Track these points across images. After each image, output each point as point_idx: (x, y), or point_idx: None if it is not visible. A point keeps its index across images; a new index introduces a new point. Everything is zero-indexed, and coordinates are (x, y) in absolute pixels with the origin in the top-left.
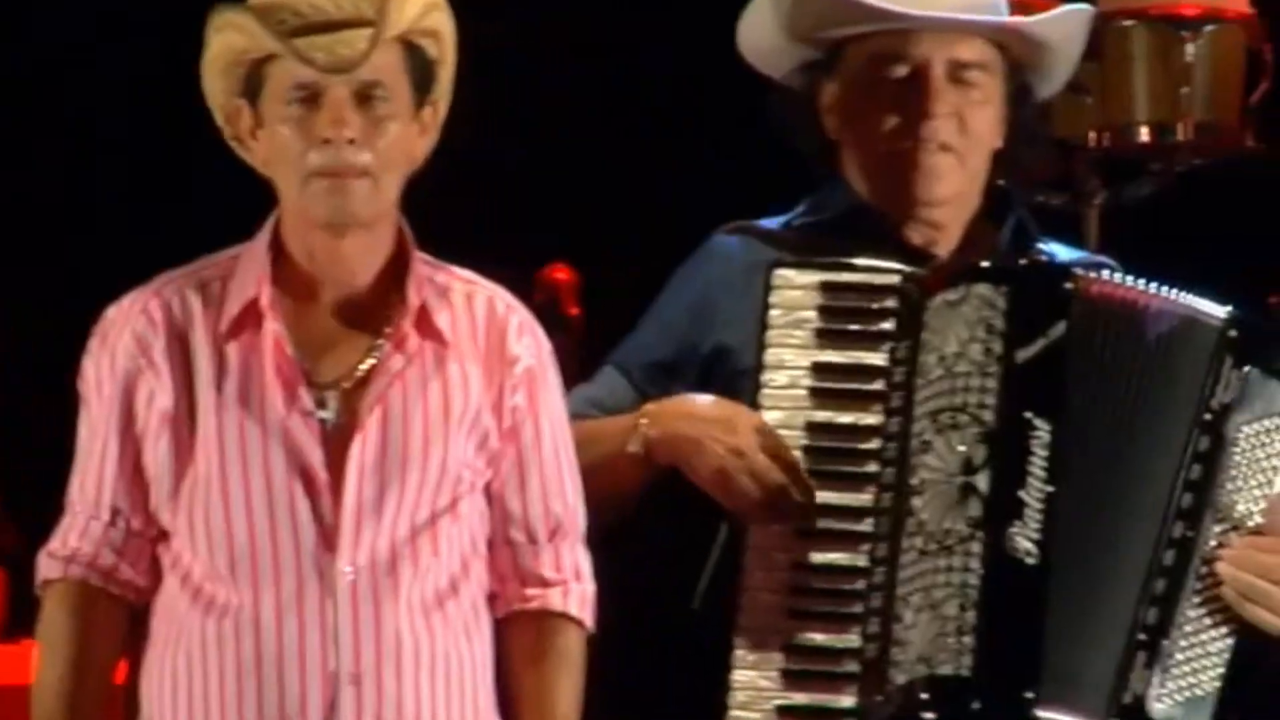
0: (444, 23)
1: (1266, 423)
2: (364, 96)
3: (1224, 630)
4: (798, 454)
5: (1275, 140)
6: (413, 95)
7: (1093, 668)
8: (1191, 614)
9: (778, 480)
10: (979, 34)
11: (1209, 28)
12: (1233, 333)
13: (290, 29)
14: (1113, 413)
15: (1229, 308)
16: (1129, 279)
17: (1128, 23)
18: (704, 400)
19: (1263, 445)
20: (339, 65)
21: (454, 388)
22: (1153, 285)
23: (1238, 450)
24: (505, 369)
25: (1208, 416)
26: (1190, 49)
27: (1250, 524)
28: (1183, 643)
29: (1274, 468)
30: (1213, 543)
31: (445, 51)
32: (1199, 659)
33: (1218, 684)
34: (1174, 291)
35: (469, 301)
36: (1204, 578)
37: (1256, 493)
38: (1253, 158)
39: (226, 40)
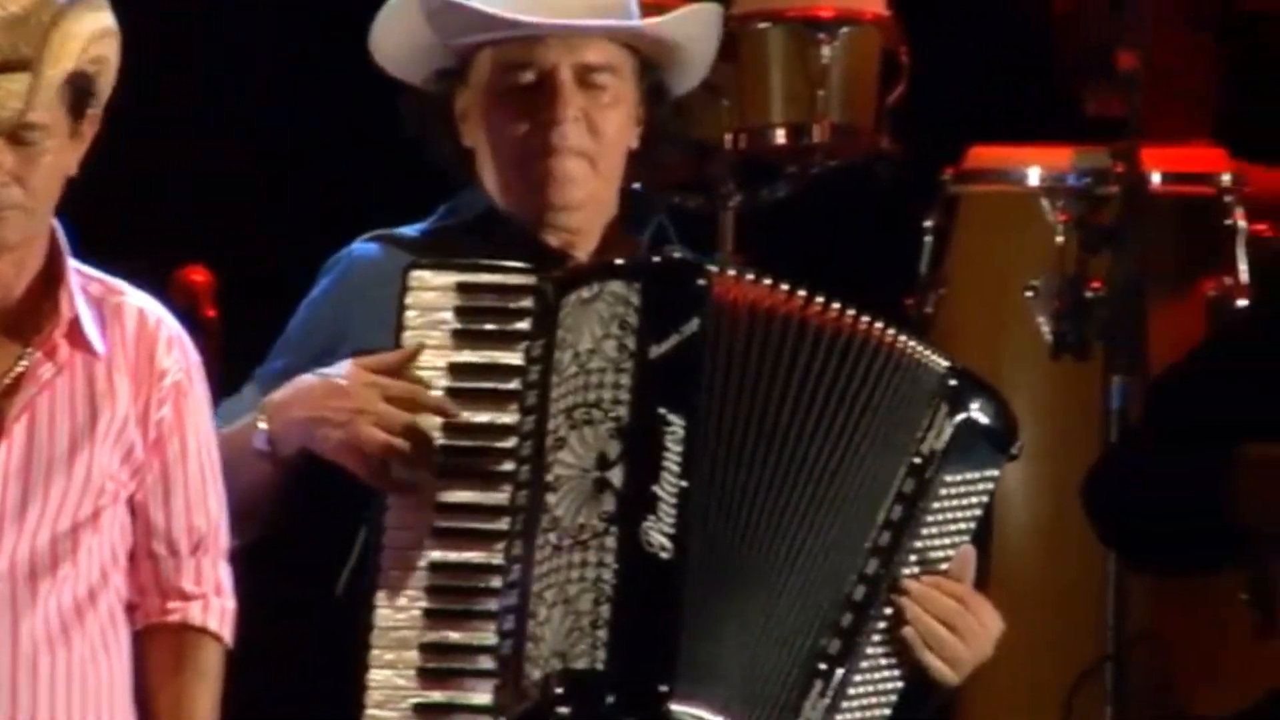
0: (111, 46)
1: (970, 475)
2: (18, 137)
3: (897, 671)
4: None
5: (911, 142)
6: (69, 119)
7: (749, 671)
8: (870, 651)
9: (404, 419)
10: (604, 37)
11: (845, 30)
12: (953, 382)
13: None
14: (764, 414)
15: (949, 359)
16: (785, 286)
17: (764, 25)
18: (312, 379)
19: (963, 497)
20: None
21: (102, 398)
22: (800, 290)
23: (940, 499)
24: (153, 382)
25: (917, 460)
26: (826, 51)
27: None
28: (858, 677)
29: (970, 520)
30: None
31: (108, 69)
32: (870, 695)
33: None
34: (823, 297)
35: (119, 313)
36: (889, 617)
37: (948, 542)
38: (888, 159)
39: None
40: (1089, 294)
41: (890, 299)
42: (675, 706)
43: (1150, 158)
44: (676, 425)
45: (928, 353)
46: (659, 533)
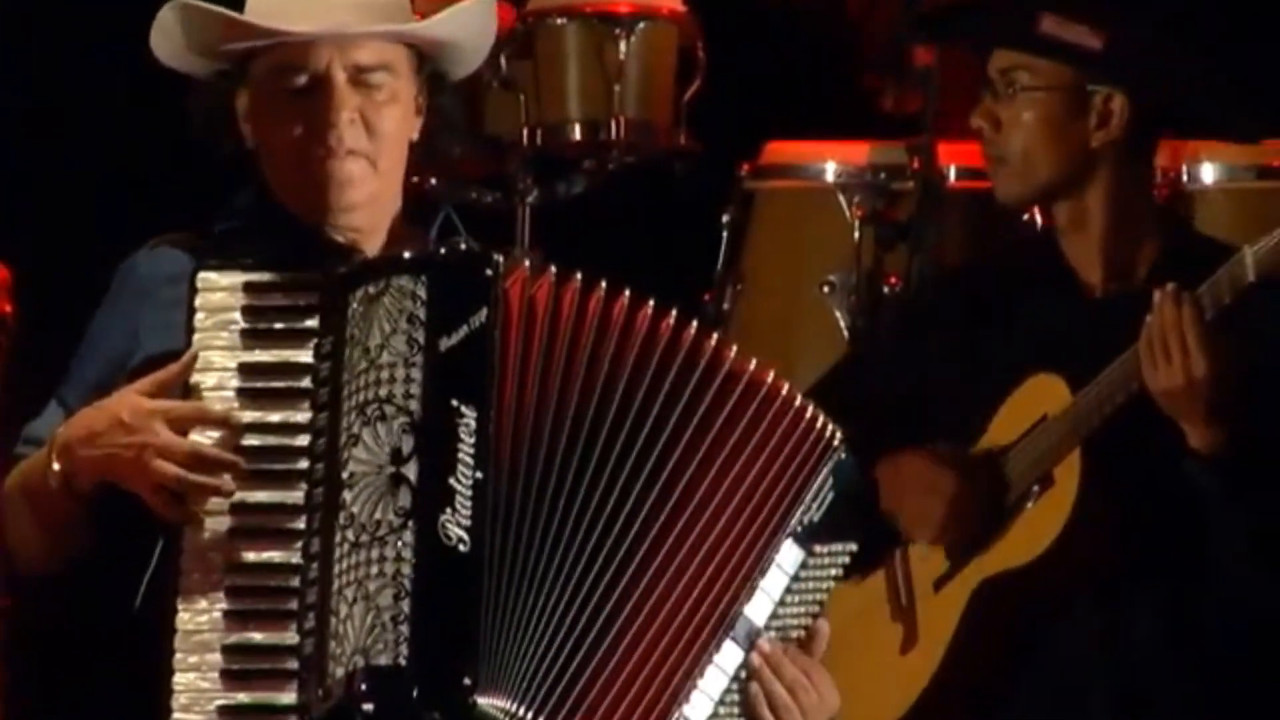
0: None
1: (835, 547)
2: None
3: None
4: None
5: (707, 138)
6: None
7: (553, 668)
8: (723, 711)
9: (188, 447)
10: (376, 36)
11: (641, 25)
12: (841, 455)
13: None
14: (581, 411)
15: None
16: (602, 287)
17: (560, 20)
18: (96, 415)
19: (826, 568)
20: None
21: None
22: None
23: (807, 567)
24: None
25: (799, 529)
26: (622, 47)
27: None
28: None
29: (826, 591)
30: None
31: None
32: None
33: None
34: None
35: None
36: (741, 675)
37: (803, 610)
38: (685, 155)
39: None
40: (885, 289)
41: (688, 295)
42: (480, 699)
43: (946, 153)
44: (469, 417)
45: (817, 413)
46: (456, 525)
